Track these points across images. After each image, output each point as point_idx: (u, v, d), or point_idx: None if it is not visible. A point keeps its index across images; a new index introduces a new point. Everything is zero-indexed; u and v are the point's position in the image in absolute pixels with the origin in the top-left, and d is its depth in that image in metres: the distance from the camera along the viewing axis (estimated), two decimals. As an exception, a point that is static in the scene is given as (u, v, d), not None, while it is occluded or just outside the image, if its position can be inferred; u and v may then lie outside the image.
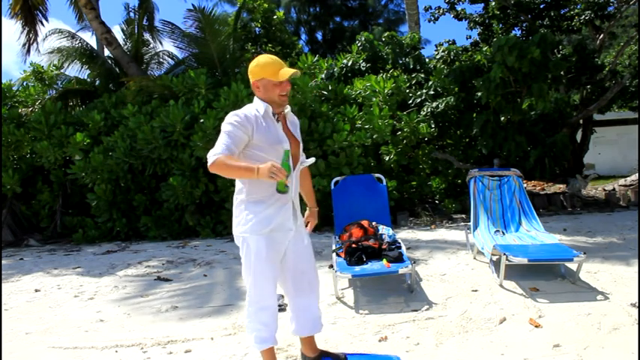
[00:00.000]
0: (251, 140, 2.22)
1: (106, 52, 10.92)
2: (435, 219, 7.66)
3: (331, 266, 3.74)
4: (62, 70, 10.31)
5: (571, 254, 3.70)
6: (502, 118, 8.10)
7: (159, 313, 3.67)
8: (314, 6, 26.00)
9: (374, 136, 7.41)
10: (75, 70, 10.32)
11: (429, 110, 8.37)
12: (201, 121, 7.25)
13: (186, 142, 7.44)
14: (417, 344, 2.80)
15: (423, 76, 9.19)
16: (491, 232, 4.64)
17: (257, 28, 11.71)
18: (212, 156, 2.12)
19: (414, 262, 4.04)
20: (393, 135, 7.91)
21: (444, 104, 8.25)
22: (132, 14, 11.33)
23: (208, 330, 3.23)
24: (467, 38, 13.03)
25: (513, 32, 11.43)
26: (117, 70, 10.20)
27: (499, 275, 3.81)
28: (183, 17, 9.02)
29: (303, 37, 26.07)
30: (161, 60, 11.37)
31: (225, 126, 2.20)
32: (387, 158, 7.96)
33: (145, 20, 10.95)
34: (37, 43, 10.55)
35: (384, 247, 4.10)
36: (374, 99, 7.94)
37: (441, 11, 11.86)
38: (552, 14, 10.75)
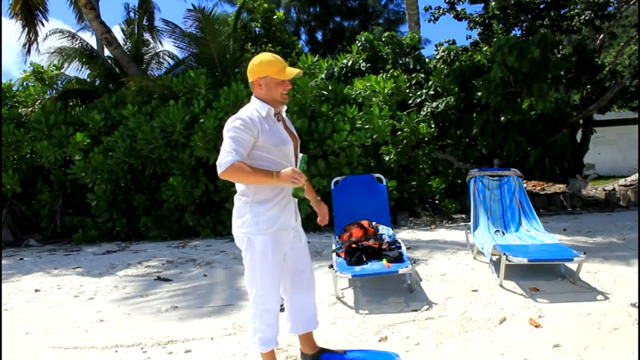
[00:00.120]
0: (256, 142, 2.21)
1: (106, 52, 10.92)
2: (435, 219, 7.66)
3: (331, 266, 3.74)
4: (62, 70, 10.31)
5: (571, 254, 3.69)
6: (502, 118, 8.10)
7: (159, 313, 3.67)
8: (314, 6, 26.01)
9: (374, 136, 7.41)
10: (75, 70, 10.33)
11: (429, 110, 8.37)
12: (201, 121, 7.25)
13: (186, 142, 7.44)
14: (417, 344, 2.80)
15: (423, 76, 9.19)
16: (491, 232, 4.64)
17: (257, 28, 11.72)
18: (224, 163, 2.10)
19: (414, 262, 4.04)
20: (393, 135, 7.91)
21: (444, 104, 8.26)
22: (132, 14, 11.34)
23: (208, 330, 3.23)
24: (467, 38, 13.04)
25: (513, 32, 11.43)
26: (117, 70, 10.20)
27: (499, 275, 3.81)
28: (183, 17, 9.04)
29: (303, 37, 26.09)
30: (161, 60, 11.38)
31: (230, 130, 2.17)
32: (387, 158, 7.96)
33: (145, 20, 10.95)
34: (37, 43, 10.55)
35: (384, 247, 4.10)
36: (374, 99, 7.94)
37: (441, 11, 11.87)
38: (552, 14, 10.75)
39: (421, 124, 7.85)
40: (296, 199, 2.39)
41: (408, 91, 8.72)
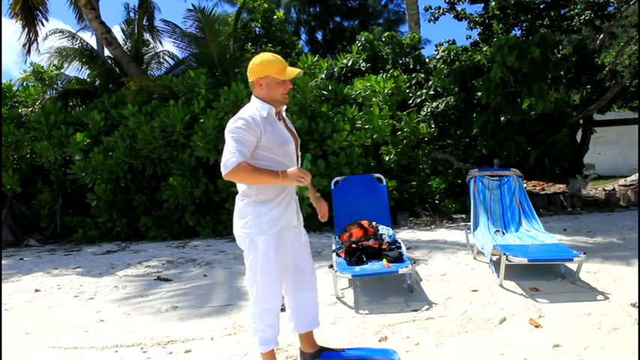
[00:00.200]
0: (259, 142, 2.21)
1: (106, 52, 10.92)
2: (435, 219, 7.66)
3: (331, 266, 3.74)
4: (62, 70, 10.32)
5: (571, 254, 3.69)
6: (502, 118, 8.10)
7: (159, 313, 3.67)
8: (314, 6, 26.01)
9: (374, 136, 7.41)
10: (75, 70, 10.34)
11: (429, 110, 8.37)
12: (201, 121, 7.25)
13: (186, 142, 7.44)
14: (417, 344, 2.80)
15: (423, 76, 9.19)
16: (491, 232, 4.64)
17: (257, 28, 11.72)
18: (229, 164, 2.10)
19: (414, 262, 4.04)
20: (393, 135, 7.91)
21: (444, 104, 8.26)
22: (132, 14, 11.34)
23: (208, 330, 3.23)
24: (467, 38, 13.04)
25: (513, 32, 11.43)
26: (117, 70, 10.20)
27: (499, 275, 3.81)
28: (183, 17, 9.04)
29: (303, 37, 26.10)
30: (161, 60, 11.38)
31: (232, 131, 2.16)
32: (387, 158, 7.96)
33: (145, 20, 10.95)
34: (37, 43, 10.55)
35: (384, 247, 4.10)
36: (374, 99, 7.94)
37: (441, 11, 11.87)
38: (552, 14, 10.75)
39: (421, 124, 7.85)
40: (297, 199, 2.39)
41: (408, 91, 8.72)
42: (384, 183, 5.14)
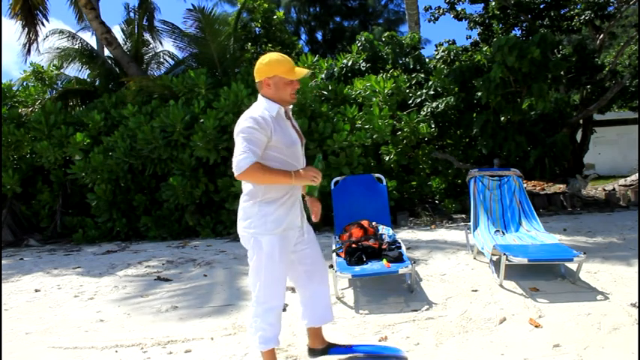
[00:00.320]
0: (269, 142, 2.20)
1: (106, 52, 10.92)
2: (435, 219, 7.66)
3: (331, 266, 3.73)
4: (62, 70, 10.32)
5: (571, 254, 3.69)
6: (502, 118, 8.10)
7: (159, 313, 3.67)
8: (314, 6, 26.00)
9: (374, 136, 7.41)
10: (75, 70, 10.34)
11: (429, 110, 8.37)
12: (201, 121, 7.25)
13: (186, 142, 7.44)
14: (417, 344, 2.80)
15: (423, 76, 9.19)
16: (491, 232, 4.63)
17: (257, 28, 11.71)
18: (243, 165, 2.09)
19: (414, 262, 4.04)
20: (393, 135, 7.91)
21: (444, 104, 8.26)
22: (132, 14, 11.34)
23: (208, 330, 3.23)
24: (467, 38, 13.04)
25: (513, 32, 11.43)
26: (117, 70, 10.20)
27: (499, 275, 3.81)
28: (183, 17, 9.04)
29: (303, 37, 26.09)
30: (161, 60, 11.38)
31: (243, 131, 2.15)
32: (387, 158, 7.96)
33: (144, 20, 10.95)
34: (37, 43, 10.55)
35: (384, 247, 4.10)
36: (374, 99, 7.94)
37: (441, 11, 11.87)
38: (552, 14, 10.75)
39: (421, 124, 7.85)
40: (301, 199, 2.40)
41: (408, 91, 8.72)
42: (384, 183, 5.14)
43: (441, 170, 8.69)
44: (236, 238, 6.93)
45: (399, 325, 3.11)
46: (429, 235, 6.39)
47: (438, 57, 10.01)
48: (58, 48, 10.14)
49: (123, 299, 4.11)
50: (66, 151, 7.81)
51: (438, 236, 6.29)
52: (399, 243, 4.28)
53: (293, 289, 3.96)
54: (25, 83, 9.85)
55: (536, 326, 2.96)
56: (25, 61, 10.79)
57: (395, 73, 9.00)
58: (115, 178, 7.74)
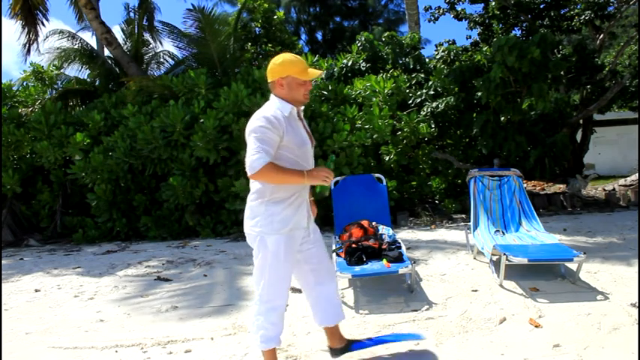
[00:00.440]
0: (281, 142, 2.20)
1: (106, 52, 10.92)
2: (435, 219, 7.66)
3: (331, 266, 3.74)
4: (62, 70, 10.31)
5: (571, 254, 3.69)
6: (502, 118, 8.10)
7: (159, 313, 3.67)
8: (314, 6, 26.01)
9: (374, 136, 7.41)
10: (75, 70, 10.33)
11: (429, 110, 8.37)
12: (201, 121, 7.25)
13: (186, 142, 7.44)
14: (417, 344, 2.80)
15: (423, 76, 9.19)
16: (491, 232, 4.63)
17: (257, 28, 11.71)
18: (256, 164, 2.10)
19: (414, 262, 4.04)
20: (393, 135, 7.91)
21: (444, 104, 8.26)
22: (132, 14, 11.33)
23: (208, 330, 3.23)
24: (467, 38, 13.04)
25: (513, 32, 11.43)
26: (117, 70, 10.20)
27: (499, 275, 3.81)
28: (183, 17, 9.01)
29: (303, 37, 26.10)
30: (161, 60, 11.38)
31: (255, 131, 2.15)
32: (387, 158, 7.96)
33: (144, 20, 10.95)
34: (38, 43, 10.55)
35: (384, 247, 4.10)
36: (374, 99, 7.94)
37: (441, 11, 11.87)
38: (552, 14, 10.75)
39: (421, 124, 7.85)
40: (308, 200, 2.42)
41: (408, 91, 8.72)
42: (384, 183, 5.14)
43: (441, 170, 8.69)
44: (236, 238, 6.94)
45: (399, 325, 3.11)
46: (429, 235, 6.39)
47: (438, 57, 10.01)
48: (58, 48, 10.14)
49: (123, 299, 4.11)
50: (66, 151, 7.81)
51: (438, 236, 6.29)
52: (399, 243, 4.28)
53: (293, 289, 3.97)
54: (25, 83, 9.85)
55: (536, 326, 2.96)
56: (25, 61, 10.80)
57: (395, 73, 9.00)
58: (115, 178, 7.74)
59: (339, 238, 4.50)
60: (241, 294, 4.05)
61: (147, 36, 11.19)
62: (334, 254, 4.10)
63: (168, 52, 11.51)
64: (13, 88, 9.28)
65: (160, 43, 11.51)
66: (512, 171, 5.11)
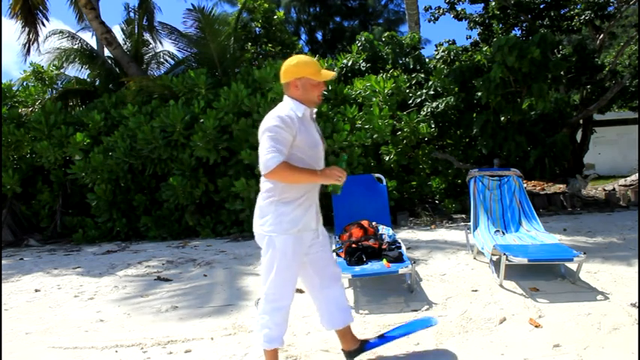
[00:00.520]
0: (294, 142, 2.22)
1: (106, 52, 10.92)
2: (435, 219, 7.66)
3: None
4: (62, 70, 10.31)
5: (571, 254, 3.69)
6: (502, 118, 8.10)
7: (159, 313, 3.67)
8: (314, 6, 26.00)
9: (374, 136, 7.41)
10: (75, 70, 10.33)
11: (429, 110, 8.37)
12: (201, 121, 7.25)
13: (186, 142, 7.44)
14: (417, 344, 2.80)
15: (423, 76, 9.19)
16: (491, 232, 4.63)
17: (257, 28, 11.71)
18: (271, 163, 2.12)
19: (414, 262, 4.04)
20: (393, 135, 7.91)
21: (444, 104, 8.26)
22: (132, 14, 11.33)
23: (208, 330, 3.23)
24: (467, 38, 13.05)
25: (513, 32, 11.43)
26: (117, 70, 10.20)
27: (499, 275, 3.81)
28: (183, 17, 9.01)
29: (303, 37, 26.08)
30: (161, 60, 11.38)
31: (269, 130, 2.17)
32: (387, 158, 7.96)
33: (144, 20, 10.95)
34: (38, 43, 10.55)
35: (384, 247, 4.10)
36: (374, 99, 7.94)
37: (441, 11, 11.87)
38: (552, 14, 10.75)
39: (421, 124, 7.85)
40: (318, 202, 2.44)
41: (408, 91, 8.72)
42: (384, 183, 5.14)
43: (441, 170, 8.69)
44: (236, 238, 6.94)
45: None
46: (429, 235, 6.39)
47: (438, 57, 10.01)
48: (58, 48, 10.14)
49: (123, 299, 4.11)
50: (66, 151, 7.81)
51: (438, 236, 6.29)
52: (399, 243, 4.28)
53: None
54: (25, 83, 9.85)
55: (536, 326, 2.96)
56: (25, 61, 10.80)
57: (395, 73, 9.00)
58: (115, 178, 7.74)
59: (339, 238, 4.50)
60: (241, 294, 4.05)
61: (147, 36, 11.20)
62: (334, 254, 4.10)
63: (168, 52, 11.52)
64: (13, 88, 9.28)
65: (160, 43, 11.52)
66: (512, 171, 5.11)
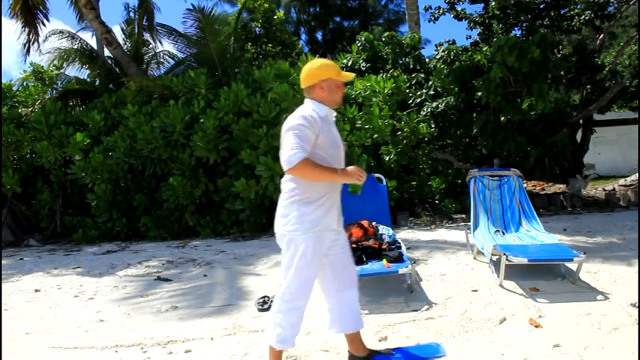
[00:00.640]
0: (316, 140, 2.27)
1: (106, 52, 10.92)
2: (435, 219, 7.66)
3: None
4: (62, 70, 10.31)
5: (571, 254, 3.69)
6: (502, 118, 8.10)
7: (159, 313, 3.67)
8: (314, 6, 25.98)
9: (374, 136, 7.41)
10: (75, 70, 10.34)
11: (429, 110, 8.37)
12: (201, 121, 7.25)
13: (186, 142, 7.44)
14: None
15: (423, 76, 9.19)
16: (491, 232, 4.63)
17: (257, 28, 11.71)
18: (293, 159, 2.16)
19: (414, 262, 4.03)
20: (393, 135, 7.91)
21: (444, 104, 8.26)
22: (132, 14, 11.33)
23: (208, 330, 3.23)
24: (467, 38, 13.06)
25: (513, 32, 11.44)
26: (117, 70, 10.20)
27: (499, 275, 3.80)
28: (183, 17, 9.01)
29: (303, 37, 26.07)
30: (161, 60, 11.37)
31: (293, 128, 2.22)
32: (387, 158, 7.96)
33: (144, 20, 10.95)
34: (38, 43, 10.55)
35: (384, 247, 4.09)
36: (374, 99, 7.94)
37: (441, 11, 11.88)
38: (552, 14, 10.75)
39: (421, 124, 7.85)
40: (339, 203, 2.47)
41: (408, 91, 8.72)
42: (384, 183, 5.14)
43: (441, 170, 8.69)
44: (236, 238, 6.94)
45: (399, 325, 3.11)
46: (429, 235, 6.39)
47: (438, 57, 10.01)
48: (58, 48, 10.14)
49: (123, 299, 4.11)
50: (66, 151, 7.82)
51: (438, 236, 6.29)
52: (399, 243, 4.28)
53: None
54: (25, 83, 9.85)
55: (536, 326, 2.96)
56: (25, 61, 10.81)
57: (395, 73, 9.00)
58: (115, 178, 7.74)
59: (339, 238, 4.49)
60: (241, 294, 4.05)
61: (147, 36, 11.20)
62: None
63: (168, 52, 11.52)
64: (13, 88, 9.29)
65: (160, 43, 11.52)
66: (512, 171, 5.11)
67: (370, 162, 7.67)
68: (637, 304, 3.19)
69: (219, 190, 7.45)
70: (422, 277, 4.22)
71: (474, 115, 8.56)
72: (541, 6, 10.83)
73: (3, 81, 9.15)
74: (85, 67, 10.25)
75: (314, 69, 2.35)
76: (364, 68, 9.49)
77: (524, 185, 6.09)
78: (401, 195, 7.99)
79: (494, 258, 4.11)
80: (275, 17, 11.68)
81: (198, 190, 7.37)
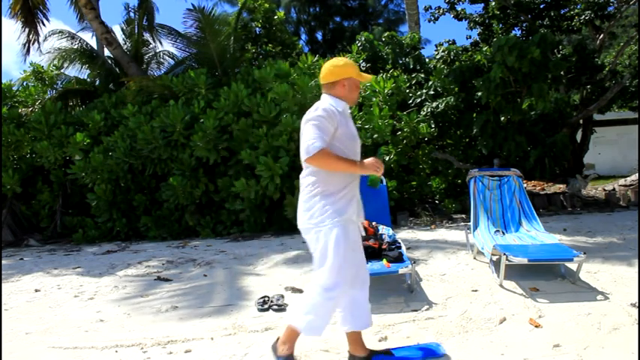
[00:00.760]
0: (335, 132, 2.31)
1: (106, 52, 10.92)
2: (435, 219, 7.66)
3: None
4: (62, 70, 10.32)
5: (571, 254, 3.69)
6: (502, 118, 8.10)
7: (159, 313, 3.66)
8: (314, 6, 25.99)
9: (374, 136, 7.41)
10: (75, 70, 10.35)
11: (429, 110, 8.37)
12: (201, 121, 7.25)
13: (186, 142, 7.44)
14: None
15: (423, 76, 9.19)
16: (491, 232, 4.63)
17: (257, 28, 11.72)
18: (312, 149, 2.21)
19: (414, 262, 4.03)
20: (393, 135, 7.91)
21: (444, 104, 8.26)
22: (132, 14, 11.34)
23: (208, 330, 3.23)
24: (467, 38, 13.07)
25: (513, 32, 11.44)
26: (117, 70, 10.20)
27: (499, 275, 3.80)
28: (183, 17, 9.01)
29: (303, 37, 26.07)
30: (161, 60, 11.38)
31: (313, 119, 2.28)
32: (387, 158, 7.96)
33: (144, 20, 10.95)
34: (38, 43, 10.55)
35: (384, 247, 4.09)
36: (374, 99, 7.94)
37: (441, 11, 11.88)
38: (552, 14, 10.76)
39: (421, 124, 7.85)
40: (359, 197, 2.48)
41: (408, 91, 8.72)
42: (384, 183, 5.13)
43: (441, 170, 8.69)
44: (236, 238, 6.94)
45: (399, 325, 3.11)
46: (429, 235, 6.38)
47: (438, 57, 10.01)
48: (58, 48, 10.14)
49: (123, 299, 4.11)
50: (66, 151, 7.82)
51: (438, 236, 6.29)
52: (399, 243, 4.28)
53: (294, 289, 3.97)
54: (25, 83, 9.86)
55: (536, 326, 2.96)
56: (25, 61, 10.81)
57: (395, 73, 9.01)
58: (115, 178, 7.74)
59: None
60: (241, 294, 4.05)
61: (147, 36, 11.20)
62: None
63: (168, 52, 11.53)
64: (13, 88, 9.30)
65: (160, 43, 11.53)
66: (512, 171, 5.11)
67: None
68: (637, 304, 3.19)
69: (219, 190, 7.45)
70: (422, 277, 4.22)
71: (474, 115, 8.57)
72: (541, 6, 10.83)
73: (3, 81, 9.17)
74: (85, 67, 10.26)
75: (339, 67, 2.40)
76: (364, 68, 9.49)
77: (524, 185, 6.09)
78: (401, 195, 7.99)
79: (495, 258, 4.11)
80: (275, 17, 11.68)
81: (198, 190, 7.37)
